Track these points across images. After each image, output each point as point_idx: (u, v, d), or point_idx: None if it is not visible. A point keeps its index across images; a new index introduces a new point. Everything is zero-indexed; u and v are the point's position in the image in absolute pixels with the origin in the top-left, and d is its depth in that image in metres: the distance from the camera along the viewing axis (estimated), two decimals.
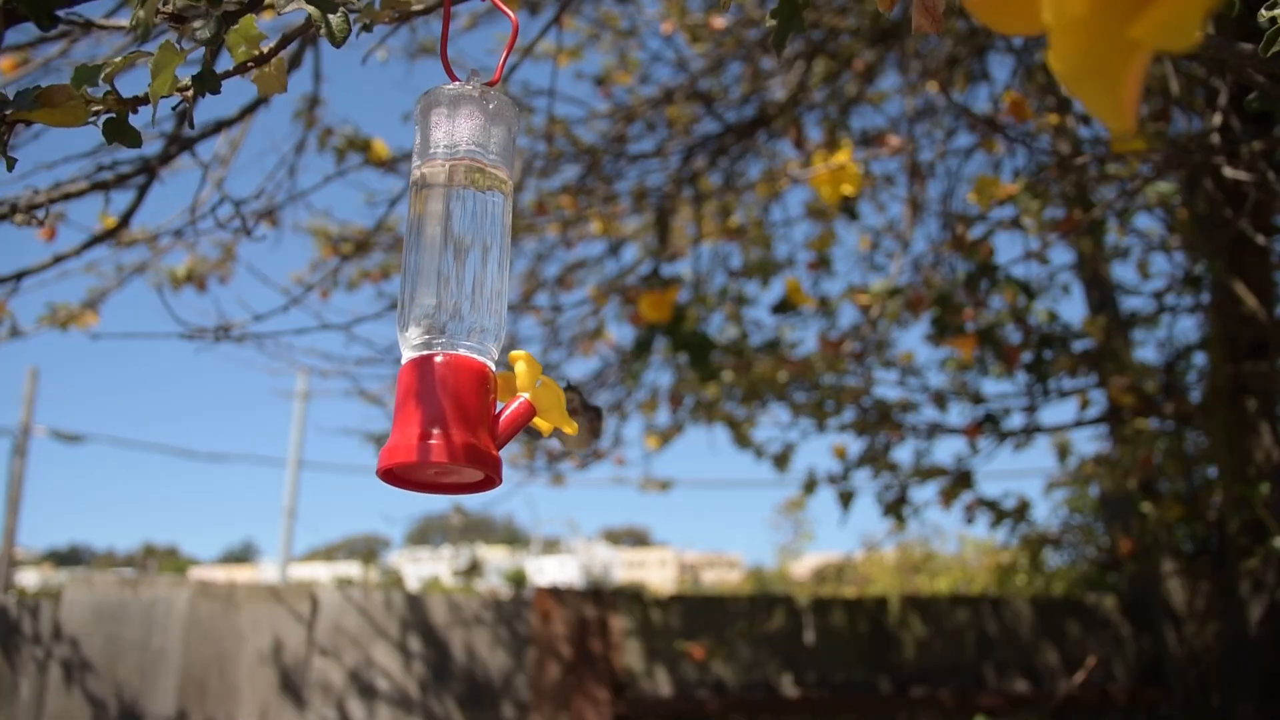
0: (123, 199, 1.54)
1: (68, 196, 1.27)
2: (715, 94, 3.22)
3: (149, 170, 1.43)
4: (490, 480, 0.65)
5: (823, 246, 3.11)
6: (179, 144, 1.45)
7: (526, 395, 0.67)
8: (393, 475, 0.64)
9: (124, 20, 1.15)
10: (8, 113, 0.58)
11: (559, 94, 5.53)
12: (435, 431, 0.61)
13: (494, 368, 0.67)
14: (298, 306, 2.17)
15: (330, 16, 0.61)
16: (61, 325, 1.91)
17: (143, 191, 1.48)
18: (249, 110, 1.50)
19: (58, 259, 1.51)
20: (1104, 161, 2.00)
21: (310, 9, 0.60)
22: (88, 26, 0.99)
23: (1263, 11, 0.62)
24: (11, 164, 0.59)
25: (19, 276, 1.47)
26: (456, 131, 0.69)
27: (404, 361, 0.66)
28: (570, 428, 0.70)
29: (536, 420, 0.68)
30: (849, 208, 2.29)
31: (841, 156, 1.72)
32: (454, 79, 0.71)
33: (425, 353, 0.65)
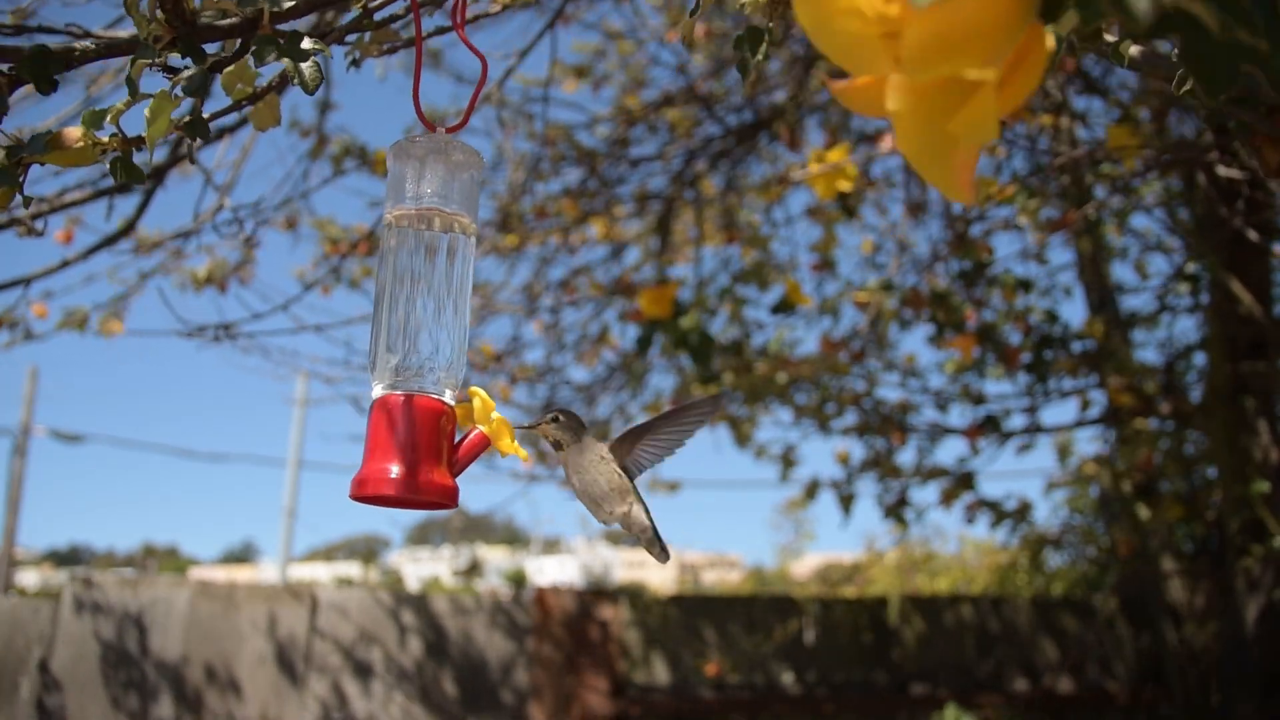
0: (128, 204, 1.54)
1: (71, 204, 1.27)
2: (716, 97, 3.23)
3: (154, 176, 1.43)
4: (444, 505, 0.73)
5: (825, 249, 3.12)
6: (183, 150, 1.46)
7: (481, 428, 0.75)
8: (364, 499, 0.73)
9: (125, 31, 1.15)
10: (23, 156, 0.62)
11: (558, 99, 5.53)
12: (398, 468, 0.70)
13: (453, 403, 0.75)
14: (301, 308, 2.17)
15: (303, 66, 0.64)
16: (79, 327, 1.93)
17: (148, 197, 1.49)
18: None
19: (65, 263, 1.52)
20: (1100, 161, 2.01)
21: (284, 61, 0.63)
22: (84, 37, 0.99)
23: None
24: (28, 203, 0.63)
25: (27, 281, 1.48)
26: (422, 183, 0.75)
27: (373, 398, 0.74)
28: (523, 454, 0.77)
29: (494, 446, 0.76)
30: (847, 206, 2.29)
31: (836, 155, 1.73)
32: (427, 125, 0.77)
33: (391, 392, 0.73)
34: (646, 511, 0.87)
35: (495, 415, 0.76)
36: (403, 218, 0.75)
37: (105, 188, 1.31)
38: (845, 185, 1.82)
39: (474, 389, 0.76)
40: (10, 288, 1.46)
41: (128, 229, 1.54)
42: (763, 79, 3.22)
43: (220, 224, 1.82)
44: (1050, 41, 0.38)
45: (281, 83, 0.71)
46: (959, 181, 0.38)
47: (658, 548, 0.88)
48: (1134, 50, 0.68)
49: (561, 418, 0.85)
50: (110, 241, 1.55)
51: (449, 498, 0.72)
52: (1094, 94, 2.91)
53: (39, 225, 1.08)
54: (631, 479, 0.86)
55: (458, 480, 0.74)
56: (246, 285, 2.31)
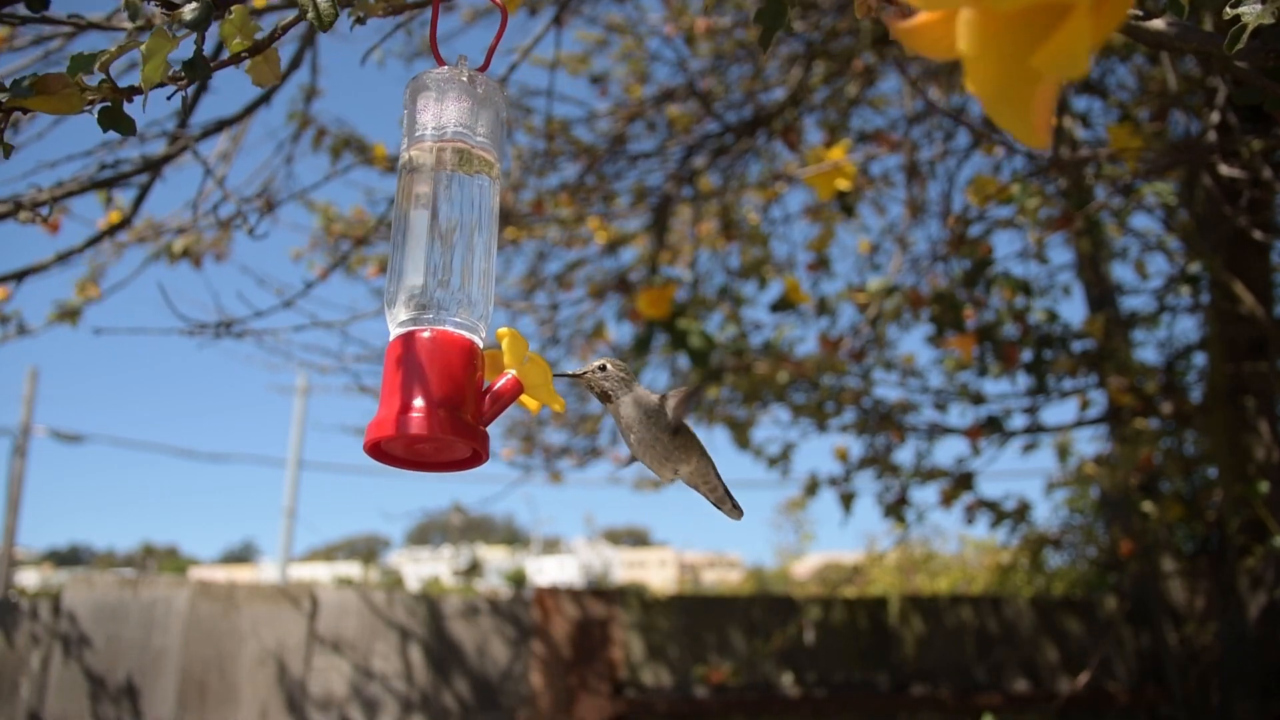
0: (124, 195, 1.54)
1: (70, 194, 1.27)
2: (715, 94, 3.23)
3: (151, 168, 1.43)
4: (477, 456, 0.64)
5: (821, 246, 3.11)
6: (181, 143, 1.46)
7: (514, 372, 0.67)
8: (380, 451, 0.64)
9: (124, 22, 1.15)
10: (4, 100, 0.58)
11: (559, 94, 5.54)
12: (422, 405, 0.61)
13: (481, 345, 0.67)
14: (298, 297, 2.17)
15: (317, 1, 0.61)
16: (71, 320, 1.91)
17: (145, 190, 1.49)
18: (251, 109, 1.50)
19: (61, 256, 1.51)
20: (1101, 162, 2.00)
21: None
22: (86, 26, 0.99)
23: (1227, 9, 0.62)
24: (9, 151, 0.60)
25: (21, 275, 1.47)
26: (444, 114, 0.69)
27: (392, 338, 0.66)
28: (558, 404, 0.69)
29: (524, 398, 0.68)
30: (846, 204, 2.29)
31: (836, 153, 1.73)
32: (442, 64, 0.71)
33: (413, 328, 0.65)
34: (713, 466, 0.80)
35: (530, 356, 0.68)
36: (423, 152, 0.68)
37: (102, 179, 1.31)
38: (844, 184, 1.82)
39: (504, 330, 0.68)
40: (5, 281, 1.45)
41: (125, 222, 1.54)
42: (761, 77, 3.21)
43: (225, 217, 1.82)
44: None
45: (274, 37, 0.68)
46: (1036, 123, 0.35)
47: (729, 504, 0.82)
48: (1162, 24, 0.67)
49: (610, 366, 0.76)
50: (110, 232, 1.54)
51: (479, 443, 0.63)
52: (1094, 94, 2.91)
53: (41, 213, 1.07)
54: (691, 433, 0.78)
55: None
56: (222, 261, 2.28)
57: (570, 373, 0.77)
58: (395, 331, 0.66)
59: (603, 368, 0.76)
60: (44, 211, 1.06)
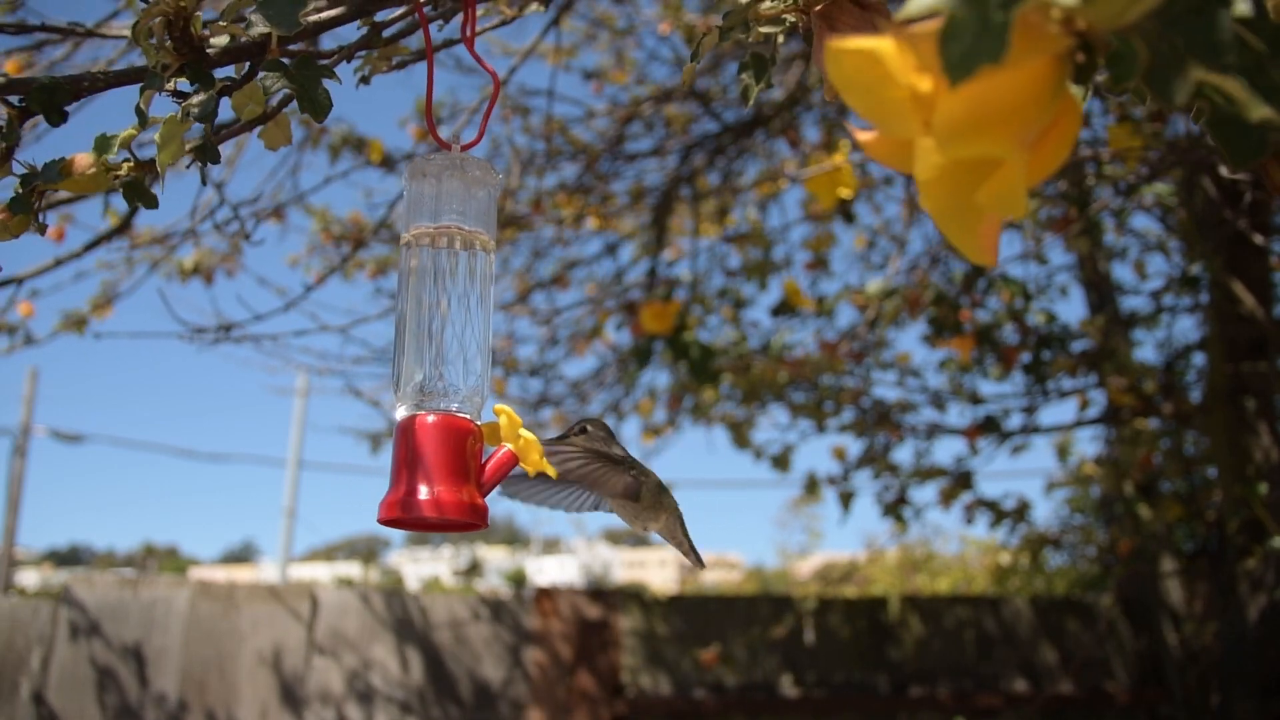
0: (120, 199, 1.54)
1: (69, 200, 1.27)
2: (713, 94, 3.22)
3: (150, 172, 1.43)
4: (475, 525, 0.72)
5: (820, 247, 3.11)
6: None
7: (509, 446, 0.75)
8: (391, 522, 0.72)
9: (122, 27, 1.15)
10: (37, 183, 0.63)
11: (557, 95, 5.52)
12: (426, 489, 0.69)
13: (479, 420, 0.74)
14: (297, 301, 2.17)
15: (313, 94, 0.65)
16: (78, 329, 1.93)
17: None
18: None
19: (59, 261, 1.51)
20: (1101, 162, 2.00)
21: (293, 88, 0.64)
22: (85, 34, 0.99)
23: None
24: (43, 230, 0.65)
25: (20, 280, 1.47)
26: (440, 200, 0.75)
27: (398, 419, 0.73)
28: (552, 472, 0.76)
29: (521, 464, 0.75)
30: (845, 210, 2.29)
31: (838, 158, 1.73)
32: (441, 144, 0.78)
33: (417, 412, 0.72)
34: (681, 522, 0.87)
35: (523, 432, 0.75)
36: (421, 236, 0.74)
37: None
38: (846, 193, 1.82)
39: (500, 407, 0.75)
40: (3, 286, 1.45)
41: (123, 226, 1.54)
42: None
43: (220, 221, 1.82)
44: (1080, 111, 0.37)
45: (282, 105, 0.71)
46: (983, 246, 0.38)
47: (694, 557, 0.89)
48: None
49: (590, 428, 0.83)
50: (105, 239, 1.54)
51: (479, 518, 0.71)
52: (1094, 94, 2.91)
53: (40, 220, 1.07)
54: (665, 486, 0.86)
55: (486, 499, 0.73)
56: (233, 277, 2.30)
57: (554, 439, 0.84)
58: (402, 413, 0.73)
59: (583, 429, 0.83)
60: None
